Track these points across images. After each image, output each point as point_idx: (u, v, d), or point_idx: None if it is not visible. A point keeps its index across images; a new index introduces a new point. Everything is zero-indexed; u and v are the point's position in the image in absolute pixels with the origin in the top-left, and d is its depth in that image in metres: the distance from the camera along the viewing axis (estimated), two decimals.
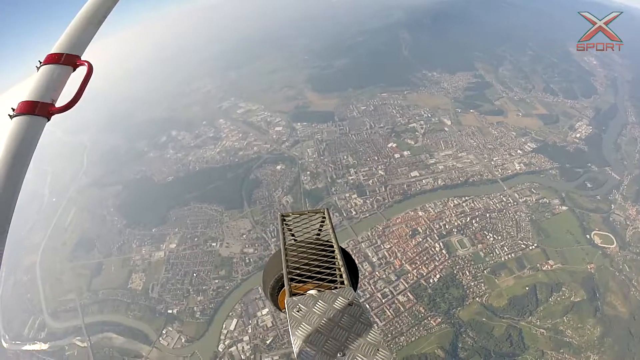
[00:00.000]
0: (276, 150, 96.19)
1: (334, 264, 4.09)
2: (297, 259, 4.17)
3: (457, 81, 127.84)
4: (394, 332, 59.12)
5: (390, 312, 60.78)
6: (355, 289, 4.10)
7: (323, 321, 3.39)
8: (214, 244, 74.51)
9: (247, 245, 72.60)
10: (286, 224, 4.84)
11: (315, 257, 4.19)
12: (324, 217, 4.84)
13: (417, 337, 58.09)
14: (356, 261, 5.25)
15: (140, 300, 67.68)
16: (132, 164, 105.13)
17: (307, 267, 4.03)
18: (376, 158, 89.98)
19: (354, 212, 75.87)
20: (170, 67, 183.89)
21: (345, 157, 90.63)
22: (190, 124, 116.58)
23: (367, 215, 75.33)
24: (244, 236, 74.36)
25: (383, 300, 61.60)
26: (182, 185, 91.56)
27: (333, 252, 4.26)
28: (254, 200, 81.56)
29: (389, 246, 69.03)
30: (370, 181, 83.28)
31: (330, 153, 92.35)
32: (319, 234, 4.76)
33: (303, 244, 4.45)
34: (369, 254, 67.69)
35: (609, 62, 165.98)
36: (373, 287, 63.48)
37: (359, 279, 5.04)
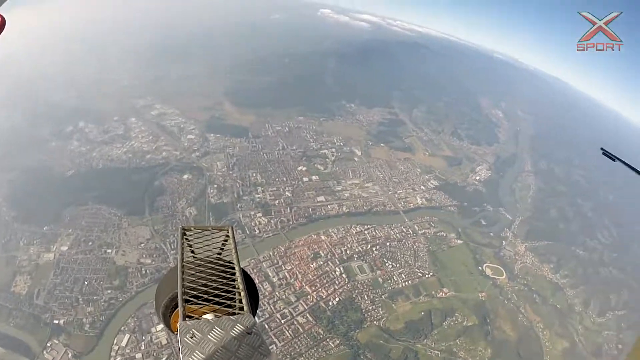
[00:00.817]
0: (185, 158, 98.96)
1: (234, 287, 4.27)
2: (194, 279, 4.27)
3: (372, 115, 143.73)
4: (292, 353, 62.86)
5: (289, 333, 64.63)
6: (254, 315, 4.27)
7: (218, 350, 3.47)
8: (109, 251, 73.01)
9: (144, 255, 72.61)
10: (186, 239, 4.99)
11: (214, 278, 4.34)
12: (228, 236, 5.06)
13: (315, 358, 62.71)
14: (257, 285, 5.36)
15: (24, 307, 63.65)
16: (31, 151, 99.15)
17: (205, 289, 4.14)
18: (285, 179, 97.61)
19: (257, 231, 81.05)
20: (90, 49, 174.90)
21: (254, 174, 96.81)
22: (100, 117, 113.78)
23: (271, 235, 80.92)
24: (142, 245, 74.48)
25: (282, 321, 65.60)
26: (82, 182, 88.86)
27: (234, 274, 4.46)
28: (157, 208, 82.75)
29: (290, 267, 74.41)
30: (277, 201, 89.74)
31: (240, 169, 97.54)
32: (220, 253, 4.94)
33: (202, 263, 4.59)
34: (270, 274, 72.23)
35: (514, 116, 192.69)
36: (272, 307, 67.39)
37: (259, 303, 5.39)
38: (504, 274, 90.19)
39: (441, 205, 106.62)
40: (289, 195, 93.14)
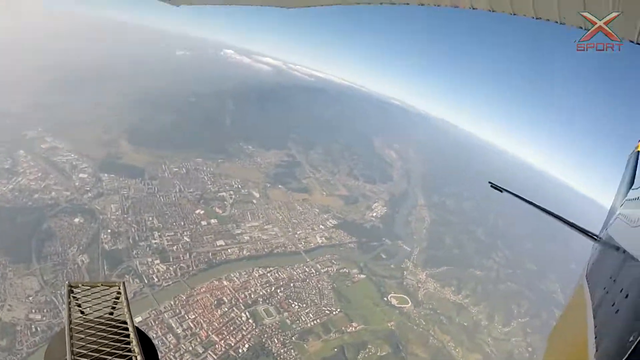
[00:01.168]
0: (77, 200, 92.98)
1: (129, 350, 4.16)
2: (84, 343, 4.10)
3: (270, 157, 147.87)
4: None
5: None
6: None
7: None
8: None
9: (34, 310, 66.49)
10: (74, 297, 4.78)
11: (106, 341, 4.18)
12: (120, 292, 4.94)
13: None
14: (156, 343, 5.48)
15: None
16: None
17: (97, 355, 3.99)
18: (182, 223, 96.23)
19: (156, 279, 78.21)
20: None
21: (150, 218, 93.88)
22: None
23: (171, 283, 78.83)
24: (31, 298, 68.22)
25: None
26: None
27: (128, 335, 4.33)
28: (45, 255, 76.17)
29: (194, 316, 72.70)
30: (175, 247, 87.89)
31: (135, 212, 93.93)
32: (112, 312, 4.79)
33: (93, 324, 4.42)
34: (173, 325, 69.77)
35: (405, 156, 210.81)
36: None
37: None
38: (409, 301, 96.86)
39: (341, 243, 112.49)
40: (188, 240, 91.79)
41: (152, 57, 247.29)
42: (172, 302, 75.12)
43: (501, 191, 17.10)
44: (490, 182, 16.90)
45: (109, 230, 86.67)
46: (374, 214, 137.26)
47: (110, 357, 4.05)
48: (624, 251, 3.95)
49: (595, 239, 11.23)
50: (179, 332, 70.17)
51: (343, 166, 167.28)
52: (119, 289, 5.08)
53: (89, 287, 5.01)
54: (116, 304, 4.94)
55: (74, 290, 4.93)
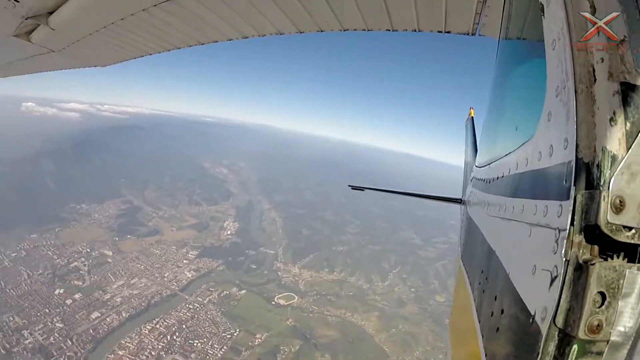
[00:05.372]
0: None
1: None
2: None
3: (107, 209, 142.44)
4: None
5: None
6: None
7: None
8: None
9: None
10: None
11: None
12: None
13: None
14: None
15: None
16: None
17: None
18: (47, 310, 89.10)
19: None
20: None
21: (11, 318, 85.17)
22: None
23: None
24: None
25: None
26: None
27: None
28: None
29: None
30: (52, 338, 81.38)
31: None
32: None
33: None
34: None
35: (237, 168, 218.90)
36: None
37: None
38: (295, 296, 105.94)
39: (210, 270, 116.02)
40: (61, 325, 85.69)
41: None
42: None
43: (362, 190, 17.72)
44: (350, 185, 16.93)
45: None
46: (228, 232, 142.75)
47: None
48: (488, 246, 3.68)
49: (460, 202, 11.85)
50: None
51: (182, 196, 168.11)
52: None
53: None
54: None
55: None
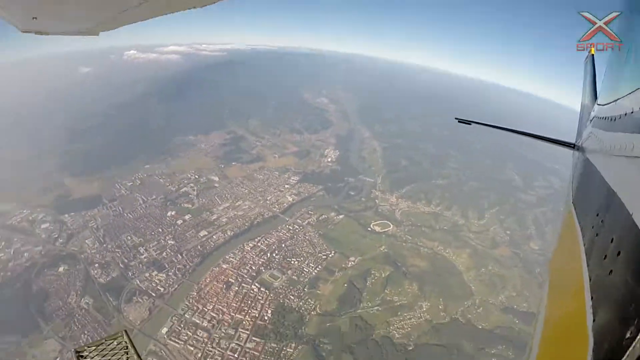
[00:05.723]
0: (51, 250, 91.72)
1: None
2: None
3: (213, 140, 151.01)
4: None
5: None
6: None
7: None
8: None
9: None
10: None
11: None
12: (125, 341, 5.20)
13: None
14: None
15: None
16: None
17: None
18: (160, 230, 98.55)
19: (162, 289, 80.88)
20: None
21: (129, 237, 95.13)
22: None
23: (176, 286, 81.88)
24: (58, 359, 67.73)
25: (235, 355, 67.79)
26: None
27: None
28: (50, 314, 75.10)
29: (211, 306, 76.71)
30: (164, 253, 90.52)
31: (112, 238, 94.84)
32: None
33: None
34: (198, 321, 73.41)
35: (336, 98, 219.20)
36: (219, 349, 69.04)
37: None
38: (390, 224, 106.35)
39: (310, 194, 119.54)
40: (173, 242, 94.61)
41: (58, 84, 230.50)
42: (187, 303, 78.61)
43: (469, 124, 17.20)
44: (456, 118, 16.53)
45: (96, 265, 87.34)
46: (329, 159, 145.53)
47: None
48: (608, 187, 3.57)
49: (573, 147, 11.54)
50: (206, 325, 74.00)
51: (284, 126, 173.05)
52: (123, 337, 5.33)
53: (95, 347, 5.21)
54: (127, 353, 5.19)
55: (82, 354, 5.17)
